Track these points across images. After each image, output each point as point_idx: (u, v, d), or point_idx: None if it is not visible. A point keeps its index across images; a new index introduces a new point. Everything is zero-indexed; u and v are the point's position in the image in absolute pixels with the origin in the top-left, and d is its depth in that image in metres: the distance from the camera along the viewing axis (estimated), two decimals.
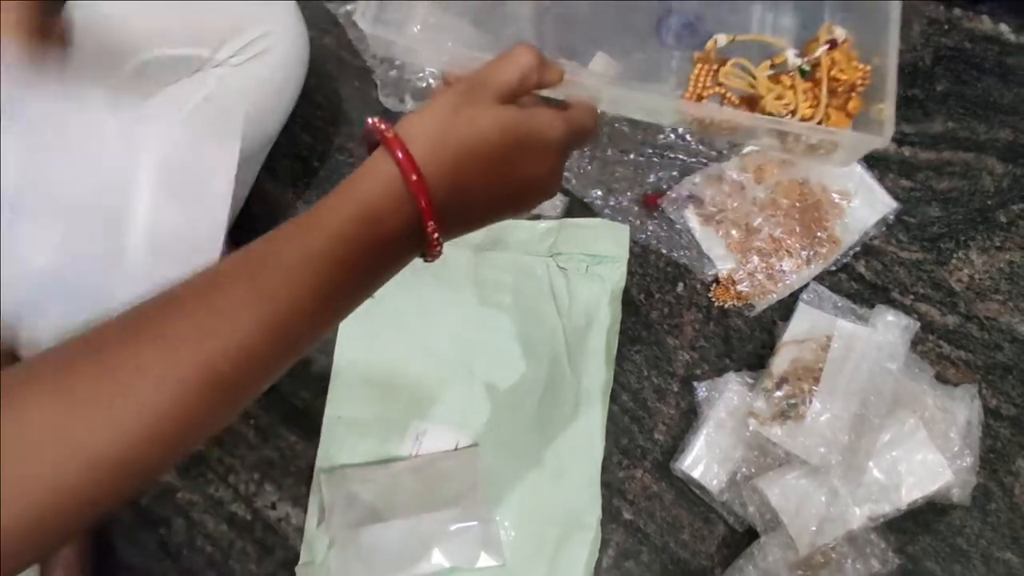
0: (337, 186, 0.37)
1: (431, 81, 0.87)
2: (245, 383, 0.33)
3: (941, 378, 0.75)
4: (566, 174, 0.83)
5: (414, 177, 0.35)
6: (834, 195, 0.80)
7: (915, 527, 0.71)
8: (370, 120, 0.38)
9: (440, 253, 0.38)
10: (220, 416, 0.33)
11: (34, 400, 0.28)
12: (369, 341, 0.77)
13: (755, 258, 0.79)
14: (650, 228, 0.81)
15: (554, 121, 0.40)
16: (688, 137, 0.85)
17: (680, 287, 0.80)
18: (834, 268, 0.79)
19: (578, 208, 0.83)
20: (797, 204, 0.80)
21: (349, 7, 0.89)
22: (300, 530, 0.74)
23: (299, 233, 0.35)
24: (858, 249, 0.80)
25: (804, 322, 0.74)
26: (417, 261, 0.40)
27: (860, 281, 0.80)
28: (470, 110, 0.37)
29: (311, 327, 0.35)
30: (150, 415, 0.30)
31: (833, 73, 0.62)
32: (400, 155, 0.35)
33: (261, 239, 0.35)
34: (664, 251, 0.81)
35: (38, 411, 0.28)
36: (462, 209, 0.38)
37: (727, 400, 0.73)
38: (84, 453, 0.29)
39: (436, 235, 0.37)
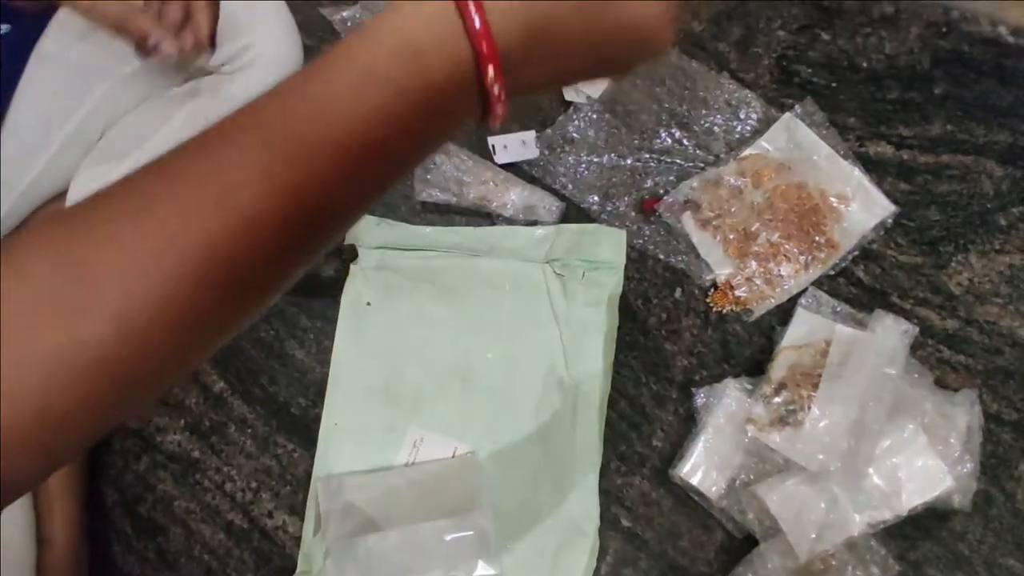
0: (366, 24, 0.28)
1: None
2: (254, 267, 0.26)
3: (941, 383, 0.75)
4: (562, 179, 0.83)
5: (485, 46, 0.26)
6: (832, 199, 0.80)
7: (916, 533, 0.70)
8: None
9: (505, 112, 0.28)
10: (224, 313, 0.26)
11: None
12: (366, 348, 0.77)
13: (753, 263, 0.78)
14: (647, 233, 0.81)
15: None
16: (685, 142, 0.84)
17: (678, 292, 0.80)
18: (832, 273, 0.79)
19: (575, 214, 0.82)
20: (795, 208, 0.79)
21: (345, 13, 0.89)
22: (297, 539, 0.74)
23: (315, 76, 0.27)
24: (856, 253, 0.80)
25: (802, 327, 0.74)
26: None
27: (859, 285, 0.79)
28: None
29: (338, 196, 0.27)
30: (139, 310, 0.24)
31: None
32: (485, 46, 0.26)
33: (272, 90, 0.27)
34: (661, 256, 0.81)
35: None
36: (535, 49, 0.28)
37: (725, 406, 0.72)
38: (63, 355, 0.23)
39: (498, 86, 0.27)
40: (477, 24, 0.26)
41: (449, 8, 0.26)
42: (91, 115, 0.65)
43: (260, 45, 0.69)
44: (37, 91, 0.63)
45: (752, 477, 0.69)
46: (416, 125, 0.27)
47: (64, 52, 0.63)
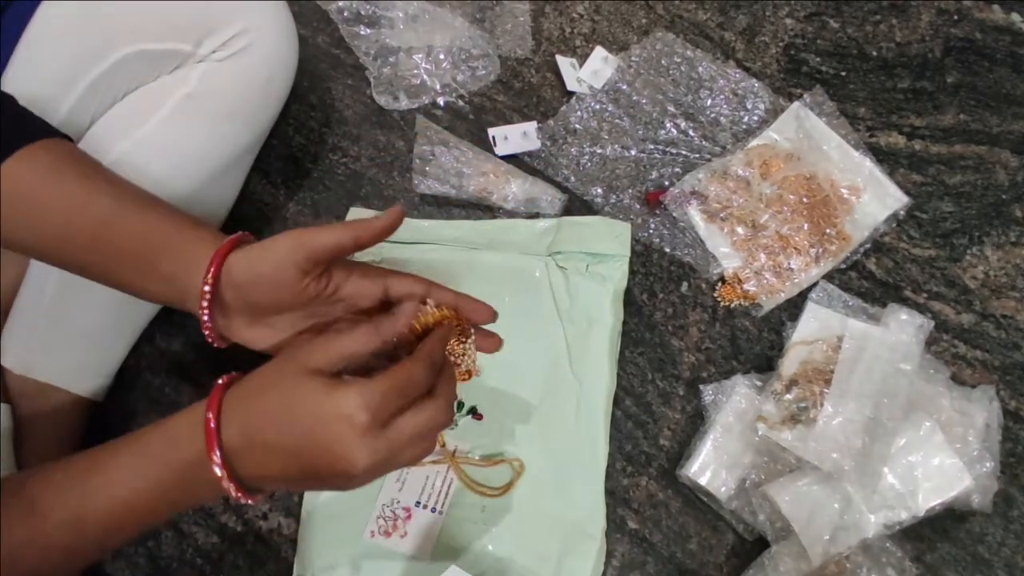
0: (149, 435, 0.44)
1: (425, 78, 0.85)
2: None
3: (957, 379, 0.72)
4: (564, 171, 0.81)
5: (216, 456, 0.42)
6: (843, 190, 0.78)
7: (933, 535, 0.68)
8: (222, 380, 0.44)
9: (247, 498, 0.44)
10: None
11: None
12: None
13: (762, 256, 0.76)
14: (652, 226, 0.79)
15: (345, 398, 0.42)
16: (691, 132, 0.82)
17: (684, 287, 0.77)
18: (844, 266, 0.77)
19: (578, 206, 0.80)
20: (805, 200, 0.77)
21: (340, 3, 0.87)
22: (293, 541, 0.71)
23: (106, 483, 0.42)
24: (868, 246, 0.77)
25: (813, 322, 0.71)
26: None
27: (871, 279, 0.77)
28: (283, 375, 0.43)
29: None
30: None
31: None
32: (212, 424, 0.42)
33: (78, 473, 0.43)
34: (667, 249, 0.78)
35: None
36: (250, 452, 0.43)
37: (735, 404, 0.70)
38: None
39: (224, 474, 0.42)
40: (230, 485, 0.43)
41: (204, 457, 0.42)
42: (108, 75, 0.63)
43: (254, 32, 0.66)
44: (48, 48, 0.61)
45: (763, 477, 0.67)
46: (170, 511, 0.45)
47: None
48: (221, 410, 0.42)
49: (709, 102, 0.83)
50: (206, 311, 0.49)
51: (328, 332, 0.45)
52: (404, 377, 0.43)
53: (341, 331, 0.45)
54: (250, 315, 0.50)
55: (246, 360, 0.76)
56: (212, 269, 0.48)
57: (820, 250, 0.76)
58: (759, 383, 0.71)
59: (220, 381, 0.44)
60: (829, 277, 0.76)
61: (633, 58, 0.85)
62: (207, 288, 0.48)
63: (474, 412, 0.71)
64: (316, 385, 0.42)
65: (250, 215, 0.82)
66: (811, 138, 0.79)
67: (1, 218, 0.49)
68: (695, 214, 0.78)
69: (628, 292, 0.76)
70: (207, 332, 0.50)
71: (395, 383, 0.43)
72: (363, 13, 0.87)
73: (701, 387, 0.72)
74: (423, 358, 0.45)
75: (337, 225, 0.49)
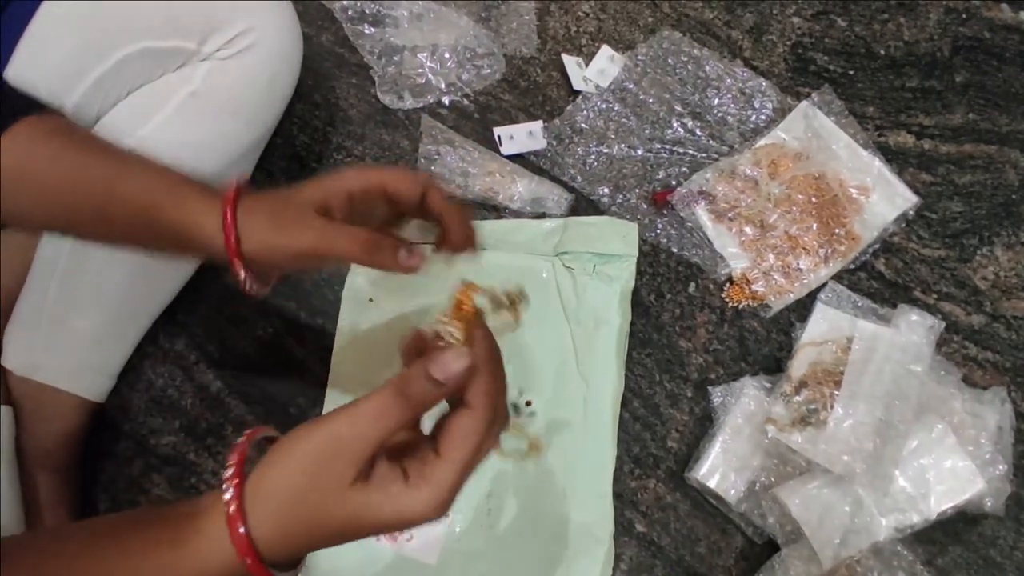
0: (178, 525, 0.38)
1: (430, 77, 0.84)
2: None
3: (968, 381, 0.72)
4: (571, 170, 0.80)
5: (249, 561, 0.37)
6: (852, 190, 0.77)
7: (945, 538, 0.67)
8: (241, 438, 0.40)
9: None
10: None
11: None
12: (367, 346, 0.74)
13: (770, 256, 0.75)
14: (659, 226, 0.78)
15: (410, 506, 0.38)
16: (698, 132, 0.82)
17: (692, 287, 0.77)
18: (853, 266, 0.76)
19: (584, 206, 0.79)
20: (813, 199, 0.76)
21: (345, 2, 0.86)
22: None
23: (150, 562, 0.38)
24: (877, 246, 0.77)
25: (823, 323, 0.71)
26: None
27: (880, 280, 0.76)
28: (321, 493, 0.37)
29: None
30: None
31: None
32: (241, 530, 0.37)
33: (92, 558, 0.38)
34: (675, 250, 0.78)
35: None
36: (297, 555, 0.40)
37: (743, 405, 0.69)
38: None
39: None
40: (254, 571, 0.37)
41: (233, 555, 0.37)
42: (112, 73, 0.62)
43: (258, 31, 0.66)
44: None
45: (772, 479, 0.66)
46: None
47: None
48: (250, 535, 0.37)
49: (716, 101, 0.83)
50: (242, 271, 0.48)
51: (346, 415, 0.38)
52: (474, 455, 0.39)
53: (360, 408, 0.38)
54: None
55: (244, 356, 0.76)
56: (228, 226, 0.46)
57: (829, 250, 0.75)
58: (768, 385, 0.70)
59: (231, 510, 0.38)
60: (838, 278, 0.75)
61: (639, 57, 0.85)
62: (237, 261, 0.47)
63: None
64: (370, 501, 0.37)
65: None
66: (819, 137, 0.78)
67: (2, 194, 0.48)
68: (703, 214, 0.77)
69: (635, 293, 0.75)
70: (245, 287, 0.49)
71: (467, 467, 0.38)
72: (367, 12, 0.86)
73: (709, 389, 0.72)
74: (485, 420, 0.39)
75: (343, 228, 0.48)
